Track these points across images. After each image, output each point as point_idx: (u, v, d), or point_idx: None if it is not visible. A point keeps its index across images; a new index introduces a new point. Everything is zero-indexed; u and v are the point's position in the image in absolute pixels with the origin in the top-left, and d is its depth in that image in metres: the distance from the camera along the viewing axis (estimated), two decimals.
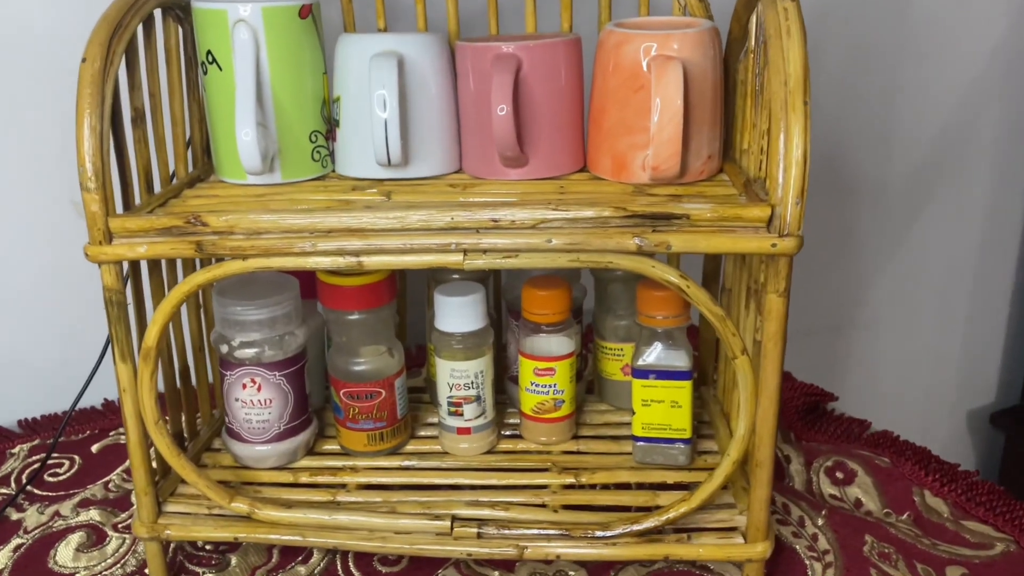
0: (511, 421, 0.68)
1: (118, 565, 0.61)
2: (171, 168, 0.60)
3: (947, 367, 1.20)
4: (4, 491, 0.70)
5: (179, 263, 0.62)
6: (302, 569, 0.60)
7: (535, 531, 0.55)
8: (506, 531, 0.55)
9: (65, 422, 0.72)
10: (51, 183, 0.75)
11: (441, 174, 0.60)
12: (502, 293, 0.72)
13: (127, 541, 0.63)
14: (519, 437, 0.67)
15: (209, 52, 0.56)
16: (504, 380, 0.71)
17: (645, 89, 0.53)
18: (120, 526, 0.65)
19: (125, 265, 0.53)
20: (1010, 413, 1.23)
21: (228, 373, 0.62)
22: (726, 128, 0.59)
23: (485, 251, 0.50)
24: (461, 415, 0.63)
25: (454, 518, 0.56)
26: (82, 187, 0.50)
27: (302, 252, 0.50)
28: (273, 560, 0.61)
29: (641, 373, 0.61)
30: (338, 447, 0.66)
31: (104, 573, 0.60)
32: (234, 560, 0.61)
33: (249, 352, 0.61)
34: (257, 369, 0.61)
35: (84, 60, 0.50)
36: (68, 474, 0.72)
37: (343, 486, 0.62)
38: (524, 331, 0.65)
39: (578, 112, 0.59)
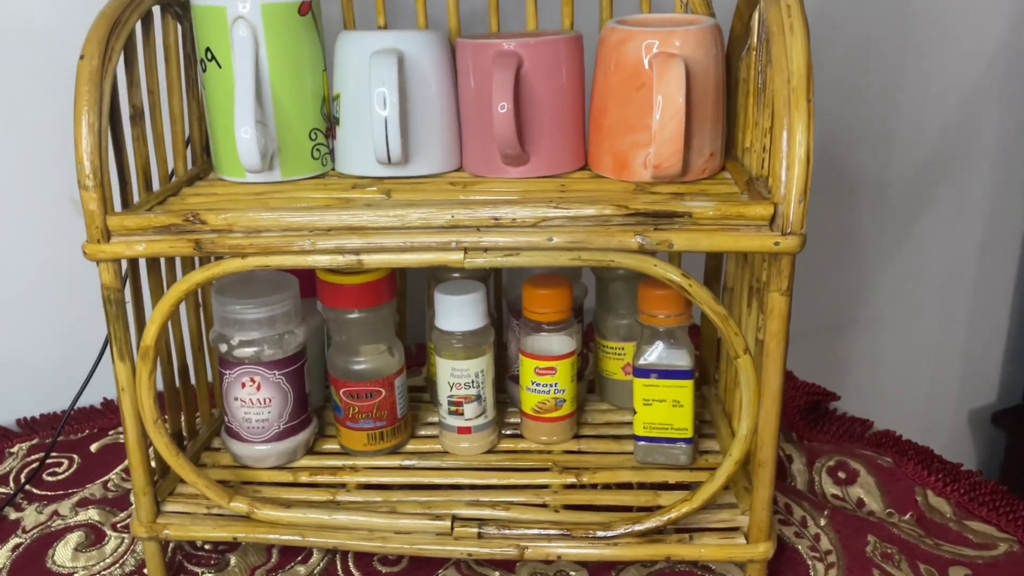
0: (512, 420, 0.68)
1: (117, 565, 0.61)
2: (170, 166, 0.60)
3: (948, 367, 1.20)
4: (3, 490, 0.70)
5: (178, 261, 0.61)
6: (301, 569, 0.60)
7: (536, 531, 0.55)
8: (507, 531, 0.55)
9: (64, 421, 0.72)
10: (51, 181, 0.75)
11: (441, 172, 0.60)
12: (503, 292, 0.72)
13: (126, 541, 0.63)
14: (520, 437, 0.66)
15: (208, 49, 0.56)
16: (505, 379, 0.71)
17: (647, 87, 0.53)
18: (119, 526, 0.65)
19: (124, 264, 0.53)
20: (1011, 413, 1.23)
21: (227, 372, 0.61)
22: (728, 126, 0.58)
23: (486, 249, 0.49)
24: (462, 414, 0.63)
25: (454, 518, 0.56)
26: (80, 185, 0.49)
27: (301, 250, 0.50)
28: (272, 560, 0.61)
29: (642, 372, 0.60)
30: (338, 446, 0.66)
31: (103, 573, 0.60)
32: (233, 560, 0.60)
33: (248, 351, 0.60)
34: (256, 368, 0.61)
35: (82, 57, 0.50)
36: (67, 473, 0.72)
37: (343, 486, 0.61)
38: (525, 330, 0.64)
39: (579, 110, 0.58)
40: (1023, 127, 1.08)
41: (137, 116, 0.56)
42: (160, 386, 0.58)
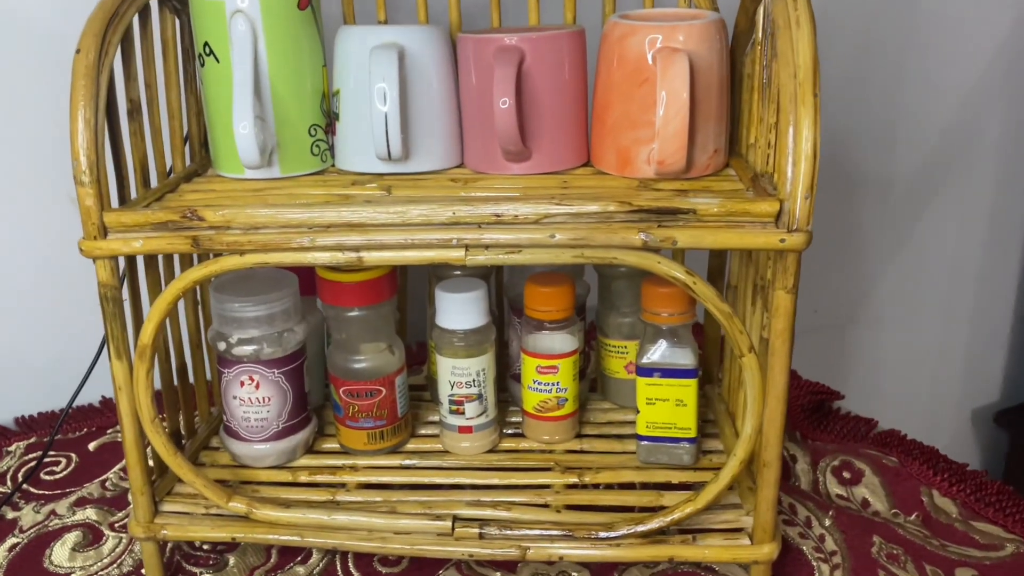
0: (513, 420, 0.68)
1: (114, 565, 0.60)
2: (168, 162, 0.60)
3: (951, 365, 1.19)
4: (0, 489, 0.69)
5: (176, 259, 0.61)
6: (301, 570, 0.59)
7: (538, 531, 0.55)
8: (508, 531, 0.55)
9: (62, 420, 0.71)
10: (48, 178, 0.74)
11: (442, 168, 0.59)
12: (504, 290, 0.71)
13: (124, 541, 0.63)
14: (521, 436, 0.66)
15: (206, 44, 0.56)
16: (506, 378, 0.70)
17: (650, 82, 0.52)
18: (117, 525, 0.64)
19: (121, 261, 0.52)
20: (1014, 412, 1.22)
21: (226, 371, 0.61)
22: (732, 122, 0.58)
23: (487, 246, 0.49)
24: (462, 413, 0.63)
25: (455, 518, 0.55)
26: (76, 181, 0.49)
27: (301, 247, 0.49)
28: (272, 560, 0.60)
29: (646, 371, 0.60)
30: (337, 446, 0.65)
31: (100, 573, 0.60)
32: (232, 560, 0.60)
33: (247, 349, 0.60)
34: (255, 367, 0.60)
35: (78, 51, 0.49)
36: (65, 472, 0.71)
37: (343, 485, 0.61)
38: (527, 328, 0.64)
39: (582, 106, 0.58)
40: None
41: (134, 111, 0.55)
42: (158, 385, 0.57)
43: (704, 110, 0.53)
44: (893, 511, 0.65)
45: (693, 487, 0.58)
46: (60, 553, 0.62)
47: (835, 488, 0.68)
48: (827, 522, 0.62)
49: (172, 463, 0.55)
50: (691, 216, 0.48)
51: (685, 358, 0.59)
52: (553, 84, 0.56)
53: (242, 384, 0.61)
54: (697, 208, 0.48)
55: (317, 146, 0.59)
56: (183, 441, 0.63)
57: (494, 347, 0.63)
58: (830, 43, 0.92)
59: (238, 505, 0.56)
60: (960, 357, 1.19)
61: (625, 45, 0.53)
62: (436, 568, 0.59)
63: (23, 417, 0.79)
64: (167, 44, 0.58)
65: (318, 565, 0.60)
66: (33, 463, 0.72)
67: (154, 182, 0.58)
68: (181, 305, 0.62)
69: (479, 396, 0.63)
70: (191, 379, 0.64)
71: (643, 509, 0.57)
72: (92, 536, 0.63)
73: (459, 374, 0.62)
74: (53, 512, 0.66)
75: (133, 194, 0.55)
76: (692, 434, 0.60)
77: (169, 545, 0.61)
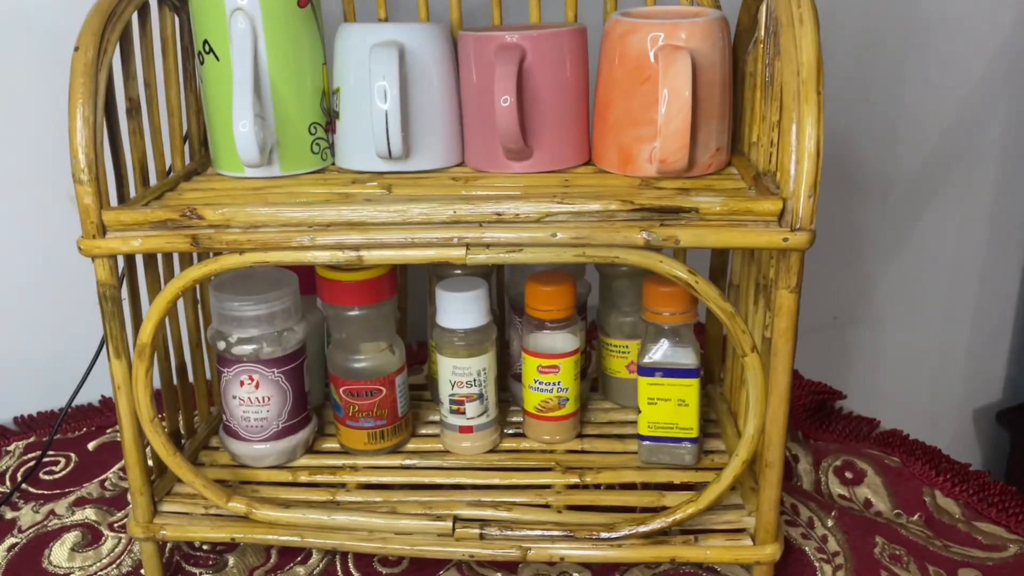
0: (514, 419, 0.67)
1: (113, 565, 0.60)
2: (168, 161, 0.59)
3: (953, 365, 1.19)
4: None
5: (175, 257, 0.61)
6: (301, 570, 0.59)
7: (539, 532, 0.54)
8: (509, 532, 0.54)
9: (61, 419, 0.71)
10: (48, 178, 0.74)
11: (443, 167, 0.59)
12: (505, 289, 0.71)
13: (123, 541, 0.62)
14: (522, 436, 0.66)
15: (206, 42, 0.55)
16: (507, 378, 0.70)
17: (652, 80, 0.52)
18: (116, 525, 0.64)
19: (120, 260, 0.52)
20: (1016, 411, 1.22)
21: (226, 370, 0.61)
22: (734, 121, 0.58)
23: (488, 245, 0.49)
24: (463, 413, 0.62)
25: (456, 518, 0.55)
26: (75, 179, 0.49)
27: (300, 246, 0.49)
28: (271, 561, 0.60)
29: (647, 371, 0.60)
30: (338, 446, 0.65)
31: (99, 573, 0.59)
32: (232, 560, 0.60)
33: (247, 348, 0.60)
34: (255, 366, 0.60)
35: (76, 49, 0.49)
36: (64, 472, 0.71)
37: (343, 485, 0.61)
38: (528, 328, 0.64)
39: (583, 104, 0.57)
40: None
41: (134, 109, 0.55)
42: (158, 384, 0.57)
43: (706, 108, 0.53)
44: (895, 511, 0.65)
45: (695, 487, 0.58)
46: (59, 553, 0.61)
47: (837, 488, 0.68)
48: (829, 523, 0.62)
49: (171, 463, 0.55)
50: (694, 215, 0.48)
51: (687, 358, 0.59)
52: (554, 82, 0.55)
53: (242, 383, 0.60)
54: (700, 207, 0.47)
55: (317, 144, 0.59)
56: (182, 441, 0.63)
57: (495, 346, 0.63)
58: (832, 42, 0.92)
59: (238, 505, 0.56)
60: (962, 356, 1.19)
61: (627, 43, 0.53)
62: (437, 569, 0.59)
63: (22, 416, 0.79)
64: (166, 42, 0.58)
65: (318, 566, 0.59)
66: (32, 463, 0.71)
67: (153, 181, 0.57)
68: (180, 304, 0.62)
69: (480, 396, 0.62)
70: (191, 378, 0.64)
71: (645, 509, 0.57)
72: (91, 536, 0.63)
73: (460, 374, 0.62)
74: (52, 512, 0.66)
75: (132, 193, 0.55)
76: (694, 434, 0.60)
77: (168, 545, 0.60)
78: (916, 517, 0.64)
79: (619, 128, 0.55)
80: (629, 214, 0.48)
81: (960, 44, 1.01)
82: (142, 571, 0.59)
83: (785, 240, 0.46)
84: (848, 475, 0.69)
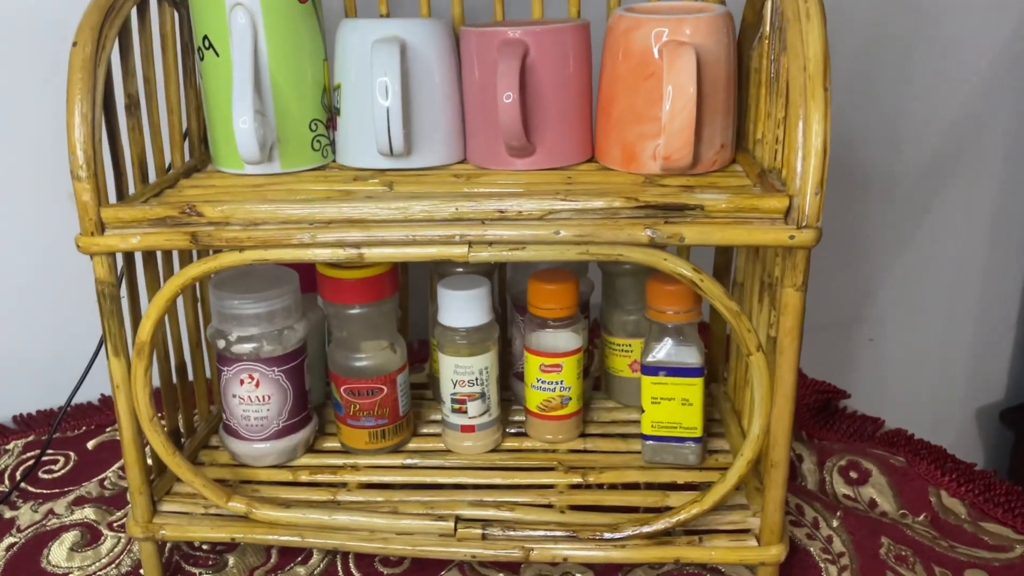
0: (516, 419, 0.67)
1: (113, 565, 0.60)
2: (167, 158, 0.59)
3: (956, 364, 1.19)
4: None
5: (175, 255, 0.60)
6: (301, 570, 0.59)
7: (541, 532, 0.54)
8: (511, 532, 0.54)
9: (60, 418, 0.71)
10: (47, 175, 0.73)
11: (445, 164, 0.58)
12: (507, 287, 0.70)
13: (122, 540, 0.62)
14: (524, 435, 0.65)
15: (206, 37, 0.55)
16: (509, 376, 0.69)
17: (656, 76, 0.52)
18: (115, 525, 0.64)
19: (119, 257, 0.52)
20: (1020, 410, 1.22)
21: (225, 369, 0.60)
22: (738, 117, 0.57)
23: (491, 243, 0.48)
24: (465, 412, 0.62)
25: (458, 518, 0.55)
26: (73, 176, 0.48)
27: (301, 244, 0.49)
28: (272, 561, 0.59)
29: (651, 370, 0.59)
30: (338, 445, 0.64)
31: (98, 573, 0.59)
32: (231, 560, 0.59)
33: (247, 347, 0.59)
34: (255, 365, 0.60)
35: (75, 44, 0.49)
36: (63, 471, 0.71)
37: (343, 485, 0.60)
38: (530, 326, 0.63)
39: (586, 100, 0.57)
40: None
41: (133, 106, 0.54)
42: (157, 383, 0.57)
43: (711, 104, 0.52)
44: (901, 512, 0.65)
45: (699, 487, 0.58)
46: (58, 553, 0.61)
47: (842, 488, 0.67)
48: (835, 523, 0.62)
49: (171, 462, 0.54)
50: (698, 212, 0.47)
51: (691, 357, 0.59)
52: (557, 78, 0.55)
53: (242, 382, 0.60)
54: (705, 204, 0.47)
55: (318, 141, 0.58)
56: (182, 440, 0.63)
57: (497, 345, 0.63)
58: (836, 39, 0.91)
59: (238, 505, 0.56)
60: (965, 355, 1.19)
61: (631, 38, 0.53)
62: (438, 569, 0.58)
63: (21, 415, 0.79)
64: (166, 38, 0.58)
65: (318, 566, 0.59)
66: (31, 462, 0.71)
67: (153, 178, 0.57)
68: (180, 302, 0.62)
69: (482, 395, 0.62)
70: (190, 377, 0.64)
71: (648, 510, 0.56)
72: (90, 536, 0.63)
73: (461, 372, 0.61)
74: (51, 511, 0.65)
75: (131, 190, 0.54)
76: (698, 434, 0.60)
77: (168, 545, 0.60)
78: (922, 517, 0.64)
79: (623, 125, 0.54)
80: (633, 211, 0.47)
81: (965, 42, 1.00)
82: (141, 571, 0.58)
83: (791, 238, 0.46)
84: (853, 475, 0.68)
